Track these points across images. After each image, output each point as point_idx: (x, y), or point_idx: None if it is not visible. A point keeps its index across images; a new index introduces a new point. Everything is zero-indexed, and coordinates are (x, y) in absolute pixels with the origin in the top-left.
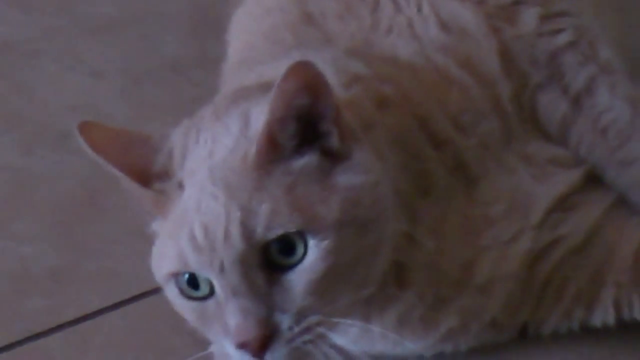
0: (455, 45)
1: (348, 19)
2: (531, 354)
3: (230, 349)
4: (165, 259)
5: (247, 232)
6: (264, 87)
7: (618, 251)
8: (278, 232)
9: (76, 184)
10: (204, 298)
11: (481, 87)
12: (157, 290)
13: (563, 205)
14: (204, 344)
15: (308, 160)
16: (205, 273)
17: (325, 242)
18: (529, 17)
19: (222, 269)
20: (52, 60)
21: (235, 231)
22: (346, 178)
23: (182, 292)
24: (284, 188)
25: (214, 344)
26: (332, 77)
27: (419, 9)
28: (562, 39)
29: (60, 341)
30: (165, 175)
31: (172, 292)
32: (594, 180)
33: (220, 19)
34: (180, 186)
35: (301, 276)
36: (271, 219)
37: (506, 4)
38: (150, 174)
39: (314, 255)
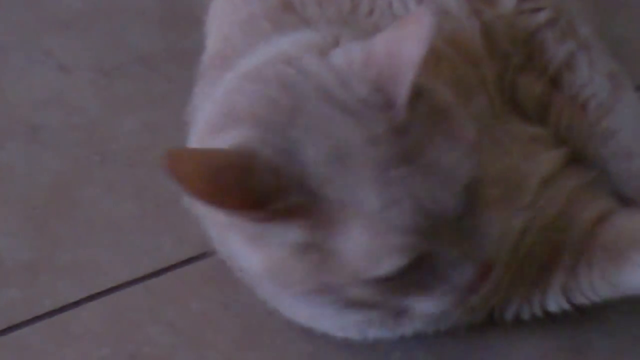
0: (439, 25)
1: (327, 4)
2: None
3: (445, 303)
4: (376, 260)
5: (462, 189)
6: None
7: (573, 233)
8: (475, 173)
9: (49, 177)
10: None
11: (468, 65)
12: (132, 282)
13: (546, 185)
14: (182, 334)
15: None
16: (436, 246)
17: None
18: None
19: (451, 233)
20: (20, 55)
21: (457, 194)
22: None
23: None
24: (440, 132)
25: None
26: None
27: None
28: (542, 16)
29: (38, 332)
30: (277, 191)
31: (370, 289)
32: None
33: (190, 12)
34: (317, 196)
35: (487, 210)
36: (468, 164)
37: None
38: (255, 196)
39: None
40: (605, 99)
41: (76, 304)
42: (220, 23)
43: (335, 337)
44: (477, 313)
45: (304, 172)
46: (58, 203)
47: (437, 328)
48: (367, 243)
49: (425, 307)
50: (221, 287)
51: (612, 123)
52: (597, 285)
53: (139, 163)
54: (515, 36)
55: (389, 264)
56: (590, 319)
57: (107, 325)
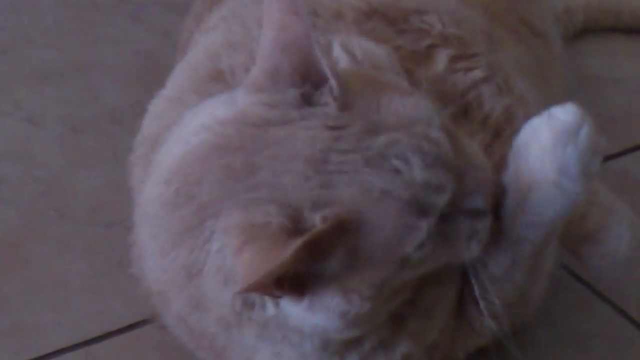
0: (370, 72)
1: None
2: None
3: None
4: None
5: (439, 125)
6: None
7: None
8: (436, 111)
9: (1, 232)
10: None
11: None
12: (74, 347)
13: None
14: None
15: None
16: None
17: None
18: (441, 58)
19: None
20: None
21: (439, 132)
22: None
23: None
24: (379, 92)
25: None
26: None
27: (329, 52)
28: (476, 74)
29: None
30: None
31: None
32: None
33: (165, 71)
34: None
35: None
36: (426, 106)
37: (420, 49)
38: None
39: None
40: None
41: None
42: (161, 96)
43: None
44: None
45: (311, 200)
46: (7, 259)
47: None
48: (395, 219)
49: (475, 242)
50: (164, 354)
51: None
52: None
53: (96, 221)
54: (445, 92)
55: (425, 222)
56: None
57: None
